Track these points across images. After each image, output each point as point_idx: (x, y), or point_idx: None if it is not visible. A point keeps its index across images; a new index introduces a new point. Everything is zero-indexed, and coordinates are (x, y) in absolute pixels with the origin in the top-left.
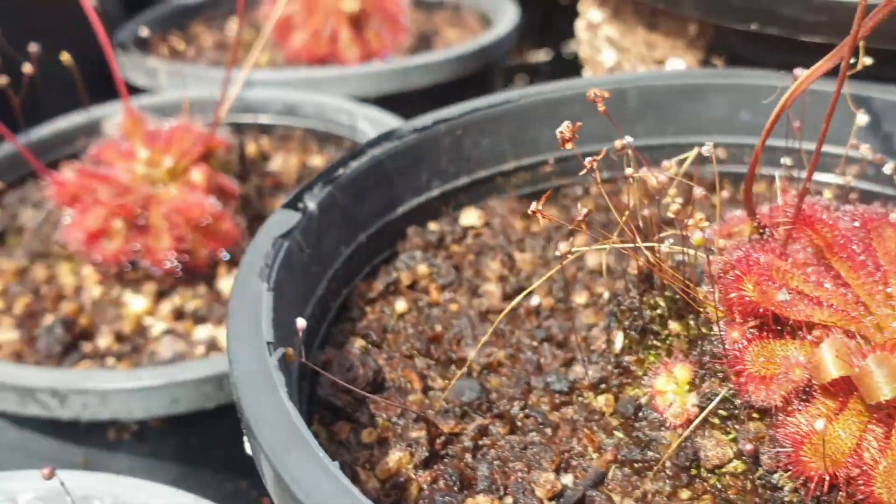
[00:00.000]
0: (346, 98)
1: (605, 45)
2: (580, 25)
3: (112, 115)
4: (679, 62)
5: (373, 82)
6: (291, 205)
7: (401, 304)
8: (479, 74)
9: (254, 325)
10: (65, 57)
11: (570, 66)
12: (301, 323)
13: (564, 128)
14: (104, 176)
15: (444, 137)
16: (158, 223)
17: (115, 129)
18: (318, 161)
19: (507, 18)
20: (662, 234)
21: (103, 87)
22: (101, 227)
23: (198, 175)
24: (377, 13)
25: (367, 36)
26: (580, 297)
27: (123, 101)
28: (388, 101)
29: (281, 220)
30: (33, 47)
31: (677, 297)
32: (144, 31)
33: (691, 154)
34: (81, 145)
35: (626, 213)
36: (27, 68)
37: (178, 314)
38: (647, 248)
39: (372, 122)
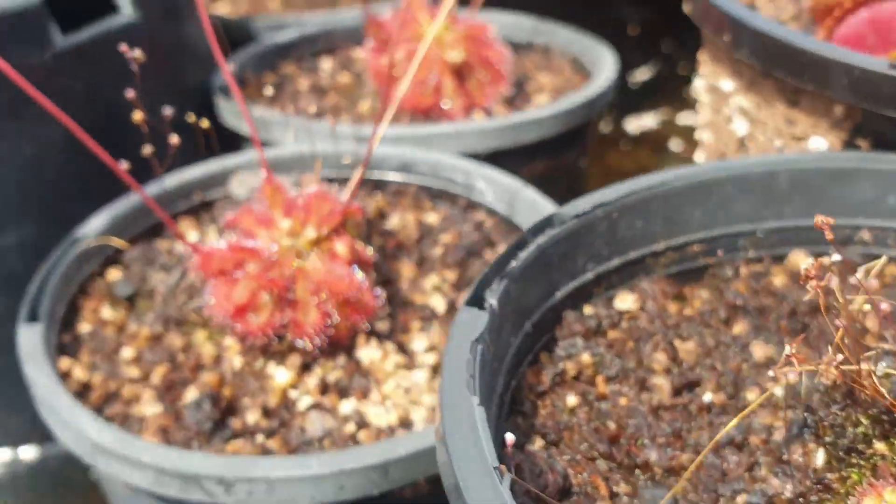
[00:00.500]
0: (461, 156)
1: (736, 115)
2: (700, 87)
3: (237, 172)
4: (821, 141)
5: (483, 139)
6: (476, 303)
7: (571, 399)
8: (580, 129)
9: (476, 449)
10: (191, 118)
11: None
12: (510, 438)
13: (820, 219)
14: (252, 250)
15: (601, 221)
16: (305, 297)
17: (240, 188)
18: (433, 218)
19: (606, 68)
20: (866, 350)
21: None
22: (249, 300)
23: (341, 247)
24: (479, 63)
25: (469, 86)
26: (751, 394)
27: (257, 156)
28: (495, 157)
29: (469, 320)
30: (167, 111)
31: (884, 416)
32: (246, 74)
33: (879, 262)
34: (198, 199)
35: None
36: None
37: (323, 387)
38: (844, 363)
39: (489, 182)
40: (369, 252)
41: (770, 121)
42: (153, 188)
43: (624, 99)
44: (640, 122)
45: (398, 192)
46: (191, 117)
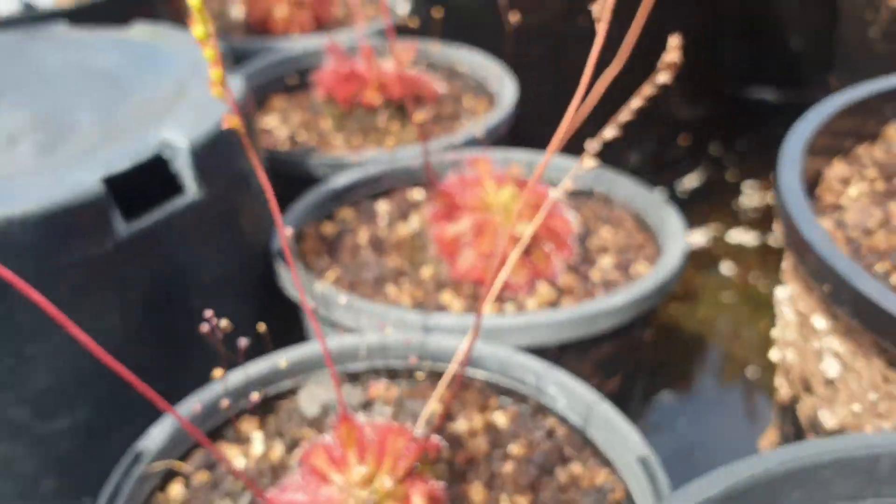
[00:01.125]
0: (530, 354)
1: (828, 356)
2: (783, 299)
3: (306, 384)
4: None
5: (553, 331)
6: None
7: None
8: (651, 311)
9: None
10: (261, 328)
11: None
12: None
13: None
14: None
15: None
16: None
17: (311, 404)
18: (501, 420)
19: (673, 236)
20: None
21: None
22: None
23: (418, 501)
24: (546, 234)
25: (534, 256)
26: None
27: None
28: (564, 347)
29: None
30: (243, 342)
31: None
32: (305, 228)
33: None
34: (260, 397)
35: None
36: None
37: None
38: None
39: (562, 389)
40: (441, 486)
41: (866, 372)
42: (211, 392)
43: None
44: (690, 239)
45: (463, 386)
46: (260, 327)
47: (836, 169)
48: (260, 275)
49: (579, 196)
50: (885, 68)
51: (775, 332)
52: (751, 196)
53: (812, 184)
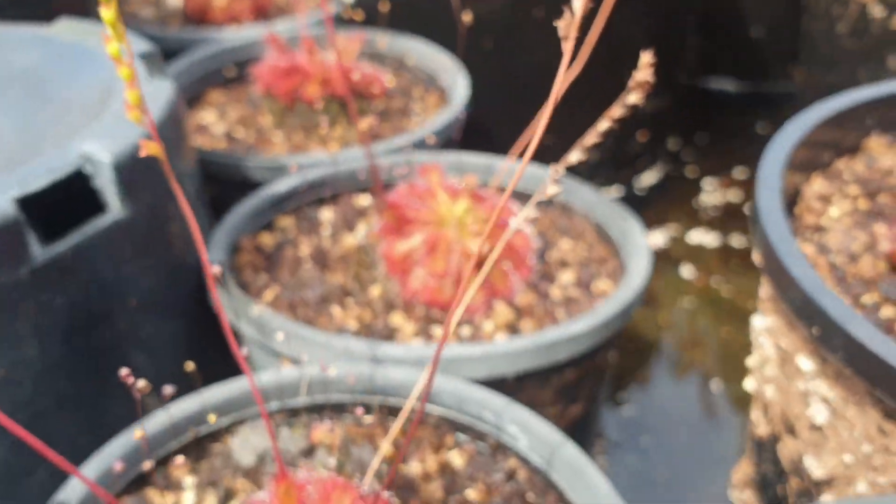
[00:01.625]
0: (491, 392)
1: (815, 401)
2: (760, 329)
3: (240, 430)
4: None
5: (512, 361)
6: None
7: None
8: (617, 334)
9: None
10: (190, 367)
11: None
12: None
13: None
14: None
15: None
16: None
17: (246, 453)
18: (458, 461)
19: (638, 253)
20: None
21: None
22: None
23: None
24: (504, 252)
25: (492, 276)
26: None
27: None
28: (524, 376)
29: None
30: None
31: None
32: (242, 240)
33: None
34: (192, 435)
35: None
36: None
37: None
38: None
39: (524, 429)
40: None
41: (859, 422)
42: (131, 438)
43: (629, 207)
44: (649, 240)
45: (418, 422)
46: (189, 366)
47: (816, 185)
48: (193, 293)
49: (537, 204)
50: (853, 64)
51: (752, 362)
52: (711, 193)
53: (790, 202)
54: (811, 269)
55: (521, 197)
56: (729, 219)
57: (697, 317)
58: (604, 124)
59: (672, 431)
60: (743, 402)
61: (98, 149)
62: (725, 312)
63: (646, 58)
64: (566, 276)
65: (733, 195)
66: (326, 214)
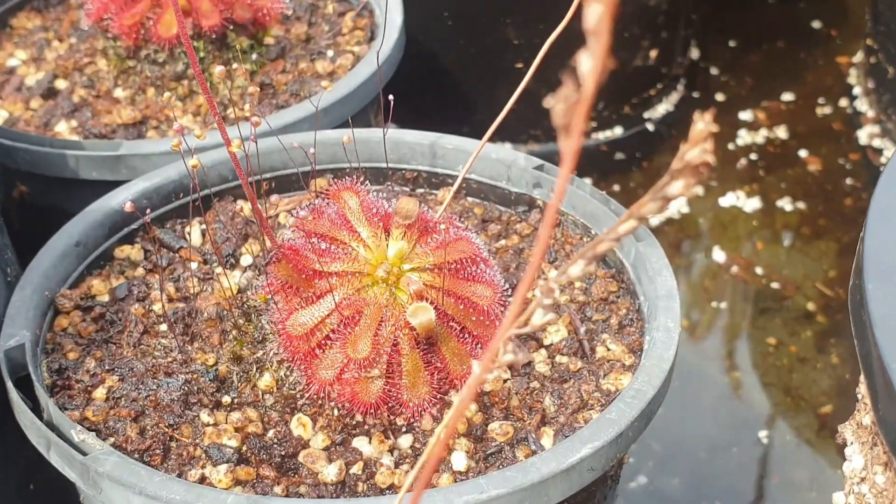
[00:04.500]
0: None
1: None
2: (857, 468)
3: None
4: None
5: None
6: None
7: None
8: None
9: None
10: None
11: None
12: None
13: None
14: None
15: None
16: None
17: None
18: None
19: (665, 293)
20: None
21: None
22: None
23: None
24: (461, 313)
25: (443, 351)
26: None
27: None
28: None
29: None
30: None
31: None
32: (59, 300)
33: None
34: None
35: None
36: None
37: None
38: None
39: None
40: None
41: None
42: None
43: (637, 151)
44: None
45: None
46: None
47: None
48: None
49: (510, 211)
50: None
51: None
52: (750, 130)
53: None
54: None
55: (489, 194)
56: (777, 166)
57: (733, 333)
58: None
59: None
60: None
61: None
62: (769, 310)
63: None
64: (555, 335)
65: (783, 132)
66: (194, 236)
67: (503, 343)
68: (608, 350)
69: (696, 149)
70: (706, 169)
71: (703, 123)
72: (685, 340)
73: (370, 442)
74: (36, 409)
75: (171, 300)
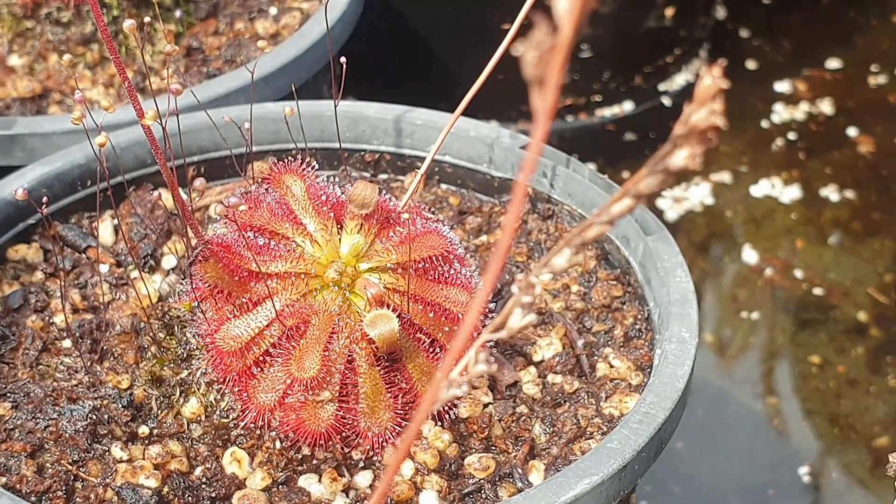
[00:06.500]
0: None
1: None
2: None
3: None
4: None
5: None
6: None
7: None
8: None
9: None
10: None
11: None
12: None
13: None
14: None
15: None
16: None
17: None
18: None
19: (680, 297)
20: None
21: None
22: None
23: None
24: (431, 323)
25: (410, 370)
26: None
27: None
28: None
29: None
30: None
31: None
32: None
33: None
34: None
35: None
36: None
37: None
38: None
39: None
40: None
41: None
42: None
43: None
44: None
45: None
46: None
47: None
48: None
49: (493, 200)
50: None
51: None
52: (788, 104)
53: None
54: None
55: (468, 180)
56: (821, 147)
57: (768, 351)
58: None
59: None
60: None
61: None
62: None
63: None
64: (546, 350)
65: (828, 106)
66: (104, 235)
67: (475, 351)
68: (611, 367)
69: (703, 110)
70: (715, 134)
71: (710, 79)
72: (711, 361)
73: (320, 480)
74: None
75: (75, 311)
